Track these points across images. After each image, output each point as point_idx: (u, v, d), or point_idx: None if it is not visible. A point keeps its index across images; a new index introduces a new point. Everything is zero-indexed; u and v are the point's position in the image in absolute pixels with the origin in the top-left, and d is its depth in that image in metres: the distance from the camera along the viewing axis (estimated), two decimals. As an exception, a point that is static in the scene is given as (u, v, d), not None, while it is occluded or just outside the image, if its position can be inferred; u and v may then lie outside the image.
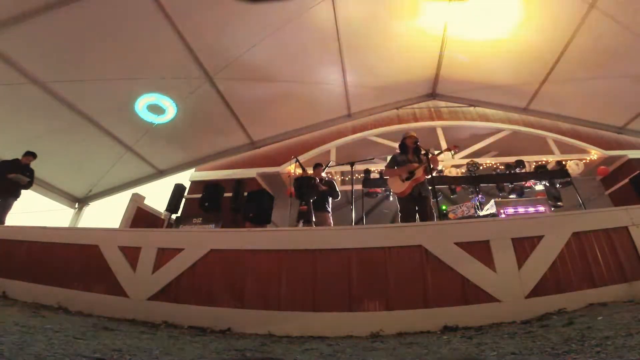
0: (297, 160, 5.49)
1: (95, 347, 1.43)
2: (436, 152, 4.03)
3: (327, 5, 5.26)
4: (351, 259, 2.53)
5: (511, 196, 6.58)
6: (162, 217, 7.02)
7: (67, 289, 2.80)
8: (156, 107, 5.99)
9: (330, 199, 4.98)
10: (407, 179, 3.81)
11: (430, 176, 3.82)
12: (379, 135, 7.72)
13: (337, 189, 5.05)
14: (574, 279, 2.37)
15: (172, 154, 7.36)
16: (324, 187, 4.87)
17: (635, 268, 2.40)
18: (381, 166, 6.65)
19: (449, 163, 7.08)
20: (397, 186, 3.88)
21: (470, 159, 6.94)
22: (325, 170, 5.25)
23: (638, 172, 6.27)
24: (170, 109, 6.09)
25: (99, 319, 2.39)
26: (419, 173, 3.80)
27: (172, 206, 6.51)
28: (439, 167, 6.80)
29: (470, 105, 8.17)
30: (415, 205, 3.78)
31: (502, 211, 5.26)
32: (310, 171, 5.29)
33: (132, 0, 4.30)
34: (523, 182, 6.71)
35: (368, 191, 6.64)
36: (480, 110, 8.12)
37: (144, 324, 2.36)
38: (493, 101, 7.93)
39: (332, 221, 4.91)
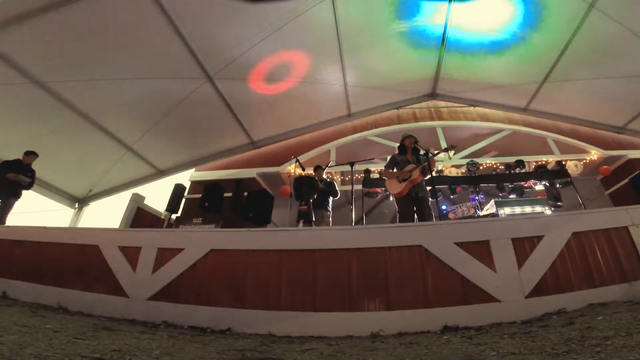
0: (297, 160, 5.49)
1: (95, 347, 1.42)
2: (435, 152, 4.04)
3: (327, 5, 5.26)
4: (351, 259, 2.53)
5: (511, 196, 6.57)
6: (162, 217, 7.03)
7: (67, 289, 2.80)
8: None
9: (330, 199, 5.00)
10: (404, 179, 3.82)
11: (428, 177, 3.82)
12: (379, 135, 7.72)
13: (337, 189, 5.06)
14: (574, 279, 2.37)
15: (172, 154, 7.36)
16: (322, 186, 4.89)
17: (635, 268, 2.39)
18: (381, 166, 6.65)
19: (449, 163, 7.08)
20: (394, 187, 3.89)
21: (470, 159, 6.94)
22: (325, 171, 5.26)
23: (638, 172, 6.27)
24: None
25: (99, 319, 2.39)
26: (415, 174, 3.81)
27: (172, 206, 6.52)
28: (439, 167, 6.82)
29: (471, 105, 8.18)
30: (414, 206, 3.79)
31: (502, 211, 5.26)
32: (310, 172, 5.31)
33: (132, 0, 4.31)
34: (523, 182, 6.71)
35: (368, 191, 6.65)
36: (480, 110, 8.13)
37: (144, 324, 2.36)
38: (493, 101, 7.93)
39: (331, 220, 4.92)
